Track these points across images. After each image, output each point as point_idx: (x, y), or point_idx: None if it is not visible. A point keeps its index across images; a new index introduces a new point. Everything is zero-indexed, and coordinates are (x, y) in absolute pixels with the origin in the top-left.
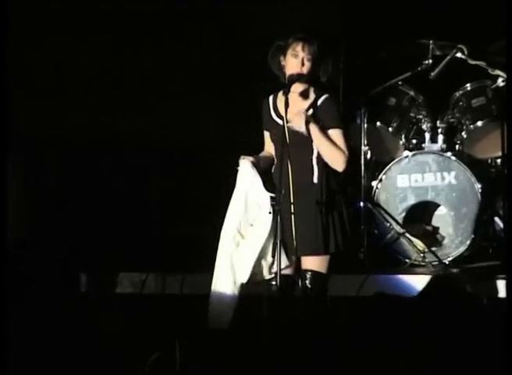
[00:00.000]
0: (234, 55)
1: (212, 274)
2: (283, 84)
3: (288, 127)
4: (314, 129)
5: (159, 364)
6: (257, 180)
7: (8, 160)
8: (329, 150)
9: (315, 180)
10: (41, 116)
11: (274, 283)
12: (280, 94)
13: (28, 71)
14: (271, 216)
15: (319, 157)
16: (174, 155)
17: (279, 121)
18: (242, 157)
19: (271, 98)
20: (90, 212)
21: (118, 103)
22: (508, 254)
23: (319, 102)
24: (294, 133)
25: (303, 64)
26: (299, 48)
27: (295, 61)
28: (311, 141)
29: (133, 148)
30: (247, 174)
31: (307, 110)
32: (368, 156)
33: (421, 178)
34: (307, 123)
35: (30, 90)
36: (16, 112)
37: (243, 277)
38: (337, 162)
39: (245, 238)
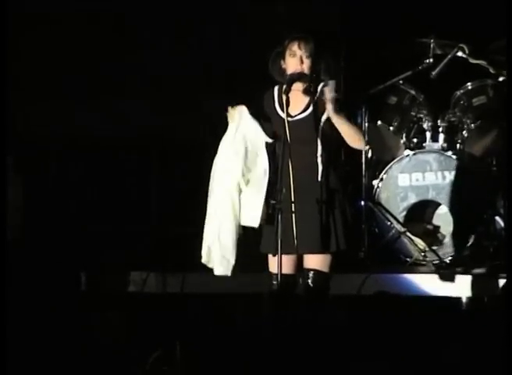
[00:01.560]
0: (230, 55)
1: (212, 274)
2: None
3: (290, 125)
4: (337, 114)
5: (160, 363)
6: (254, 124)
7: (7, 159)
8: (350, 126)
9: (319, 178)
10: (41, 115)
11: (275, 282)
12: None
13: (27, 72)
14: (266, 160)
15: (323, 155)
16: (174, 154)
17: (282, 115)
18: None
19: (276, 90)
20: (90, 211)
21: (117, 103)
22: (509, 253)
23: (318, 91)
24: (297, 130)
25: (302, 62)
26: (295, 47)
27: (294, 60)
28: (316, 139)
29: (132, 148)
30: (244, 118)
31: (309, 103)
32: (369, 155)
33: (422, 177)
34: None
35: (29, 91)
36: (15, 112)
37: (255, 221)
38: (359, 139)
39: (249, 184)
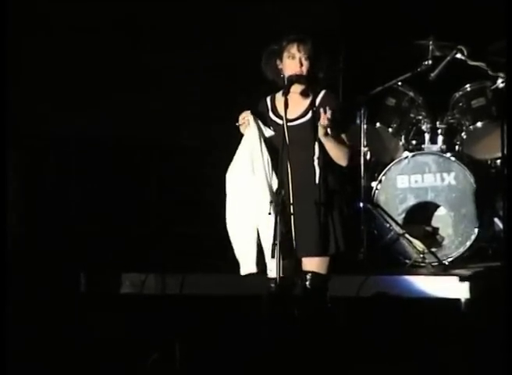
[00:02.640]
0: (231, 54)
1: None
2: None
3: (288, 128)
4: (326, 137)
5: (159, 364)
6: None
7: (8, 158)
8: (336, 146)
9: (317, 180)
10: (41, 115)
11: (273, 285)
12: (279, 95)
13: (28, 71)
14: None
15: (320, 157)
16: (174, 154)
17: (279, 121)
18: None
19: (268, 99)
20: (89, 212)
21: (118, 103)
22: (508, 255)
23: (318, 99)
24: (295, 134)
25: (301, 64)
26: (294, 49)
27: (293, 62)
28: (313, 142)
29: (133, 148)
30: (258, 122)
31: (308, 109)
32: (368, 157)
33: (421, 179)
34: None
35: (29, 90)
36: (17, 110)
37: None
38: (343, 157)
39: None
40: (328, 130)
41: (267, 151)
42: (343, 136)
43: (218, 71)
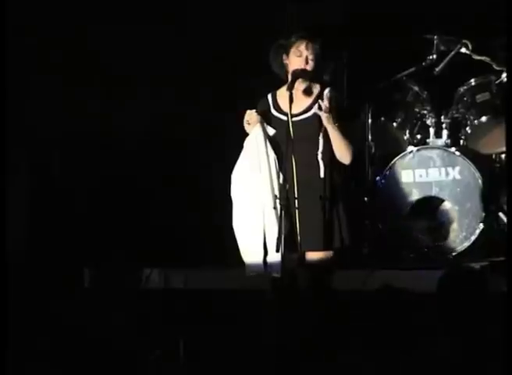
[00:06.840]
0: (231, 52)
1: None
2: (283, 82)
3: (292, 123)
4: (331, 125)
5: (163, 359)
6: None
7: (11, 157)
8: (340, 143)
9: (322, 175)
10: (44, 114)
11: (278, 279)
12: (282, 90)
13: (30, 71)
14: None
15: (324, 152)
16: (176, 150)
17: (282, 117)
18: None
19: (270, 96)
20: (94, 207)
21: (119, 102)
22: (510, 249)
23: (323, 96)
24: (299, 129)
25: (307, 62)
26: (302, 47)
27: (299, 60)
28: (317, 137)
29: (135, 144)
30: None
31: (312, 104)
32: (373, 151)
33: (426, 173)
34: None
35: (30, 90)
36: (19, 111)
37: None
38: (346, 155)
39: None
40: (329, 116)
41: (273, 151)
42: (347, 132)
43: (219, 69)
